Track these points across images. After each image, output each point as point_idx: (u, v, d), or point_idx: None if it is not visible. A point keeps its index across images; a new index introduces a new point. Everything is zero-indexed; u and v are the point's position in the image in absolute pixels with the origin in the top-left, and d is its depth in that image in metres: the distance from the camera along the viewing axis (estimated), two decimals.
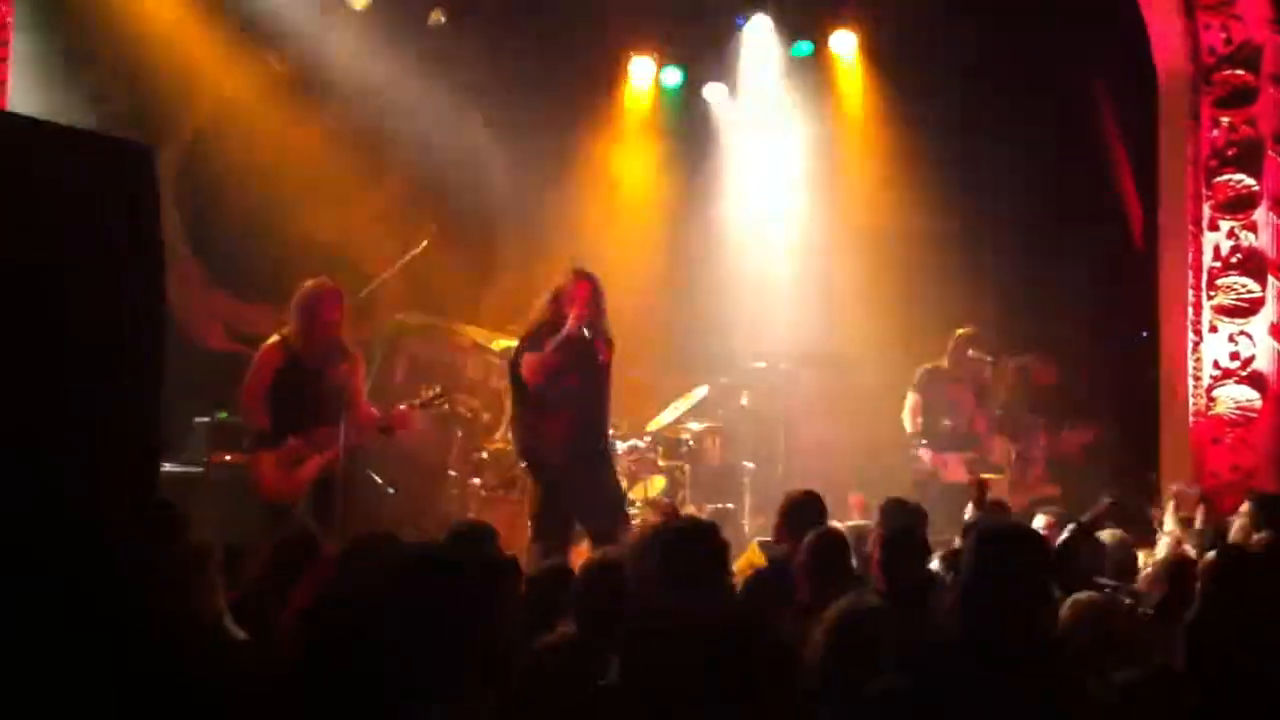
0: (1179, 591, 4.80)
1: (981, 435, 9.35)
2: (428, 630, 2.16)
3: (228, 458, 8.30)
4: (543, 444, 7.31)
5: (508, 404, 7.61)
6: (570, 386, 7.26)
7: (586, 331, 7.23)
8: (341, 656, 2.14)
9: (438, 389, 8.24)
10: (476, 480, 9.37)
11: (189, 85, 9.84)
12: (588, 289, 7.32)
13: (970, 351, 9.34)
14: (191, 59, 9.62)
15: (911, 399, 9.31)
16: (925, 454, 9.15)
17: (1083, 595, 4.20)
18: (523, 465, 7.62)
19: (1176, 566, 5.13)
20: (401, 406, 7.83)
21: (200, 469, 8.36)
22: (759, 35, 11.10)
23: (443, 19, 10.36)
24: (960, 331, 9.38)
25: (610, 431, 7.82)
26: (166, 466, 7.40)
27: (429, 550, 2.37)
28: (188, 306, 9.71)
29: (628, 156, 11.44)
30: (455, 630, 2.16)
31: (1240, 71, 8.63)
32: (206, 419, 8.59)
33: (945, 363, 9.35)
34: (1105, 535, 5.78)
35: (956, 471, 9.02)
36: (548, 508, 7.25)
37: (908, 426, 9.31)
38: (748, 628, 2.99)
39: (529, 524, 7.46)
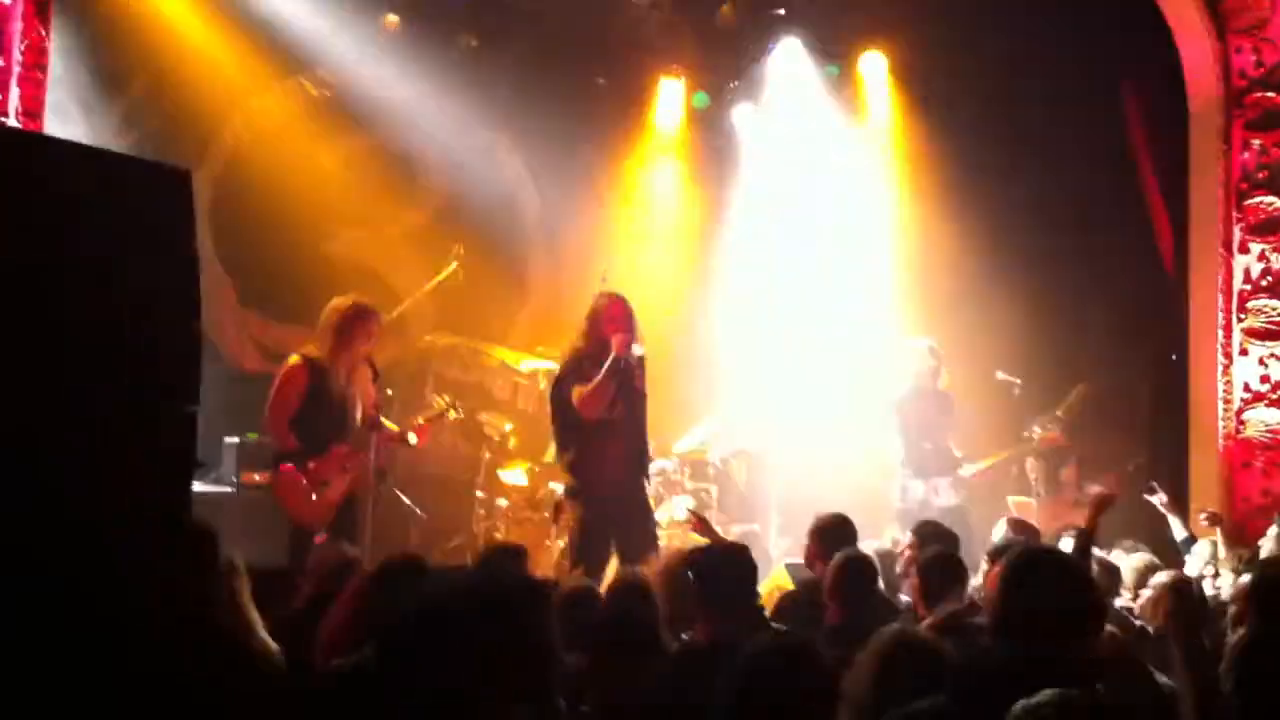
0: (1181, 611, 4.79)
1: (959, 457, 9.09)
2: (474, 653, 2.19)
3: (257, 478, 8.35)
4: (593, 471, 7.23)
5: (554, 428, 7.49)
6: (618, 415, 7.20)
7: (635, 350, 7.18)
8: (399, 676, 2.17)
9: (446, 398, 8.26)
10: (504, 501, 9.40)
11: (224, 107, 9.96)
12: (622, 308, 7.26)
13: (999, 374, 9.28)
14: (226, 81, 9.73)
15: (899, 422, 9.03)
16: (916, 483, 8.86)
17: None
18: (571, 491, 7.44)
19: (1177, 587, 5.12)
20: (419, 420, 7.88)
21: (231, 489, 8.43)
22: (788, 58, 11.11)
23: (474, 42, 10.44)
24: (922, 343, 9.16)
25: (650, 457, 7.76)
26: (196, 486, 7.45)
27: (474, 579, 2.40)
28: (221, 327, 9.80)
29: (657, 178, 11.47)
30: (499, 652, 2.19)
31: (1271, 94, 8.60)
32: (236, 439, 8.64)
33: (914, 380, 9.08)
34: (1136, 559, 5.75)
35: (948, 495, 8.81)
36: (595, 534, 7.17)
37: (902, 452, 9.01)
38: (793, 654, 2.98)
39: (570, 548, 7.43)
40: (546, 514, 8.68)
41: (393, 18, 10.09)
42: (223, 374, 9.21)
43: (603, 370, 7.08)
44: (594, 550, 7.09)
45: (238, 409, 8.59)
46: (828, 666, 3.09)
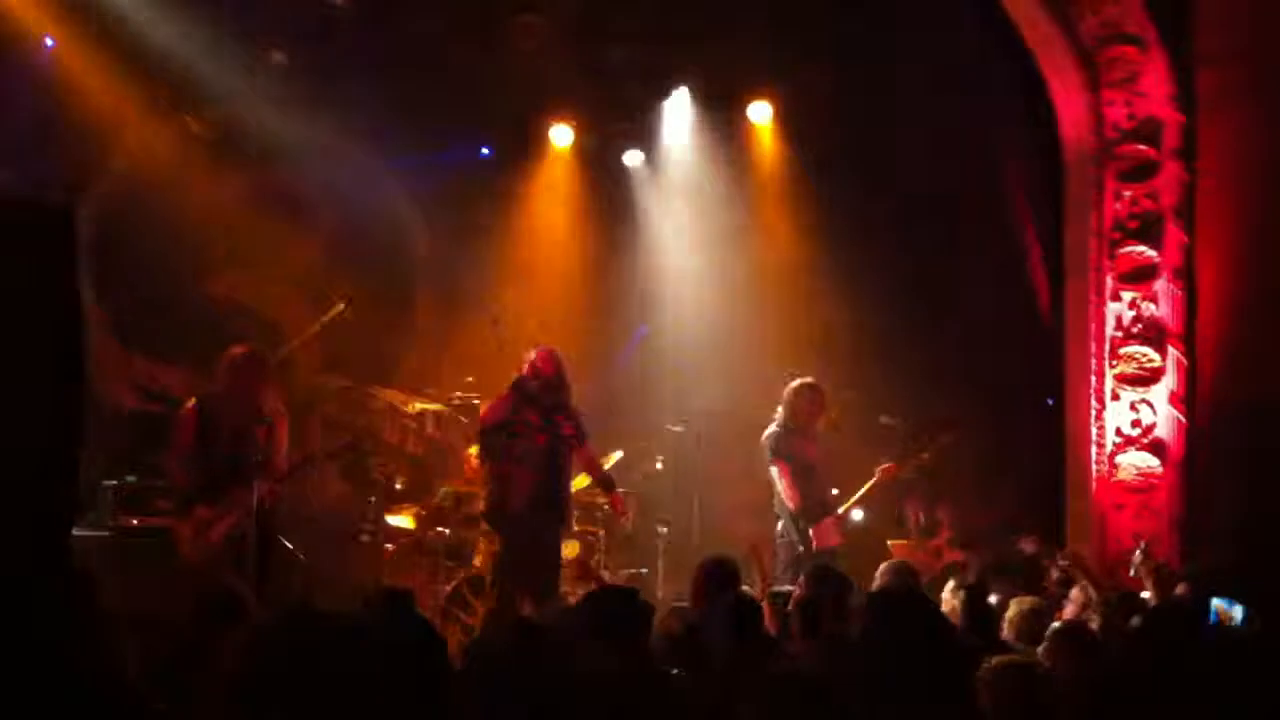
0: (1080, 656, 4.88)
1: (831, 498, 8.79)
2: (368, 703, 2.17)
3: (134, 521, 8.22)
4: (509, 499, 7.71)
5: (478, 464, 8.11)
6: (535, 445, 7.74)
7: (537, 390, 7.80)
8: None
9: (348, 438, 8.41)
10: (390, 545, 9.29)
11: (105, 144, 9.76)
12: (546, 354, 7.97)
13: (883, 418, 9.38)
14: (108, 117, 9.55)
15: (783, 470, 8.50)
16: (814, 533, 8.40)
17: (1000, 659, 4.25)
18: (486, 521, 8.00)
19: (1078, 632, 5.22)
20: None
21: (108, 532, 8.23)
22: (678, 103, 11.24)
23: (365, 81, 10.39)
24: (798, 382, 8.76)
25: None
26: (74, 530, 7.29)
27: (358, 623, 2.38)
28: (100, 367, 9.56)
29: (547, 222, 11.49)
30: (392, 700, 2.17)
31: (1142, 146, 8.90)
32: (114, 481, 8.46)
33: (791, 422, 8.64)
34: (1021, 602, 5.84)
35: (830, 535, 8.49)
36: (502, 569, 7.64)
37: (790, 503, 8.47)
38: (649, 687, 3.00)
39: (492, 582, 7.78)
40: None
41: (279, 55, 10.00)
42: (100, 415, 9.00)
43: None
44: (502, 584, 7.55)
45: (116, 451, 8.43)
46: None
